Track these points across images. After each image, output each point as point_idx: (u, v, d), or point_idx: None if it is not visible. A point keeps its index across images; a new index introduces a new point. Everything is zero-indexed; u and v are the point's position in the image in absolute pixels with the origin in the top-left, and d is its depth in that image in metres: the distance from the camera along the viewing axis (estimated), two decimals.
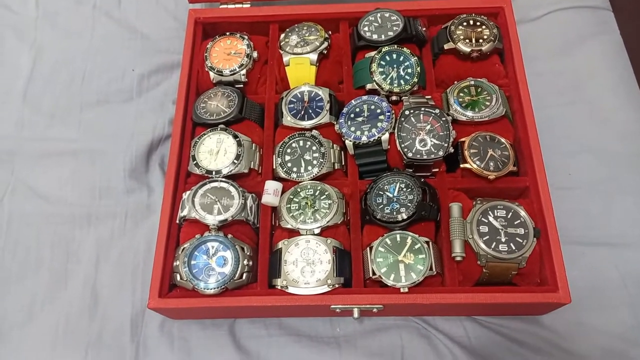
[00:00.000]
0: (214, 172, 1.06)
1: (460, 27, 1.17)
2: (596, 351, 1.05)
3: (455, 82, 1.13)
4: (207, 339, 1.08)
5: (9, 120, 1.34)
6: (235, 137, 1.09)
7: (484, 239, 0.97)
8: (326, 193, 1.04)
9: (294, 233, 1.02)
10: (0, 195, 1.25)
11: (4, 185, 1.26)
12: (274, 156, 1.10)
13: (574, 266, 1.08)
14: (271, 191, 1.04)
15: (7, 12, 1.49)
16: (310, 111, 1.12)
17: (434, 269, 0.95)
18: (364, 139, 1.05)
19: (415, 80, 1.12)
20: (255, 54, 1.20)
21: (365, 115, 1.08)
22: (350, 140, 1.06)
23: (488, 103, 1.09)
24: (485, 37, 1.15)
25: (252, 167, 1.09)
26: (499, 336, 1.06)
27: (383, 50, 1.14)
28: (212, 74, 1.19)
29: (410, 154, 1.03)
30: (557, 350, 1.05)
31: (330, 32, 1.22)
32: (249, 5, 1.28)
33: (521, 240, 0.97)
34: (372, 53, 1.15)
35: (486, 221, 0.99)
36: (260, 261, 1.02)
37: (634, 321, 1.06)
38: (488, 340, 1.06)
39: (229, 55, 1.20)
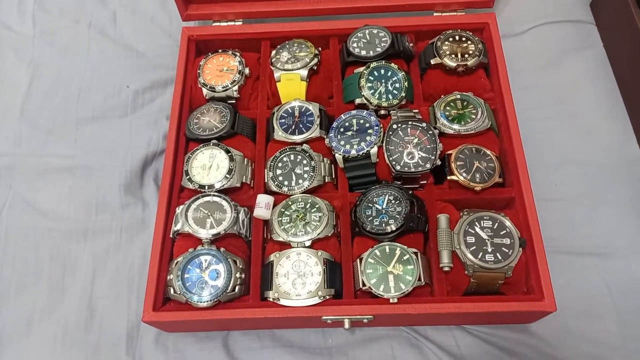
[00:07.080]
0: (206, 187, 1.08)
1: (447, 42, 1.20)
2: (583, 358, 1.06)
3: (442, 96, 1.15)
4: (201, 352, 1.09)
5: (7, 137, 1.36)
6: (227, 152, 1.11)
7: (471, 249, 0.99)
8: (317, 206, 1.06)
9: (285, 246, 1.03)
10: None
11: (2, 199, 1.28)
12: (266, 170, 1.12)
13: (560, 275, 1.11)
14: (263, 204, 1.06)
15: (6, 31, 1.51)
16: (301, 126, 1.14)
17: (422, 280, 0.97)
18: (353, 152, 1.07)
19: (403, 94, 1.14)
20: (247, 71, 1.22)
21: (355, 129, 1.11)
22: (339, 154, 1.08)
23: (474, 116, 1.11)
24: (470, 52, 1.18)
25: (244, 181, 1.11)
26: (488, 345, 1.07)
27: (371, 65, 1.17)
28: (205, 90, 1.21)
29: (398, 167, 1.05)
30: (546, 358, 1.06)
31: (320, 49, 1.25)
32: (241, 23, 1.31)
33: (507, 250, 0.99)
34: (361, 68, 1.17)
35: (473, 232, 1.01)
36: (252, 274, 1.03)
37: (618, 329, 1.08)
38: (477, 349, 1.07)
39: (222, 72, 1.22)
